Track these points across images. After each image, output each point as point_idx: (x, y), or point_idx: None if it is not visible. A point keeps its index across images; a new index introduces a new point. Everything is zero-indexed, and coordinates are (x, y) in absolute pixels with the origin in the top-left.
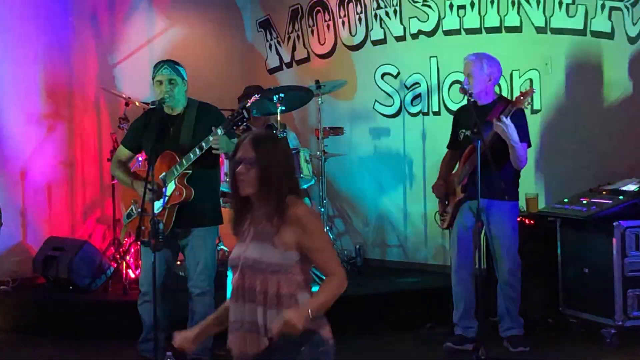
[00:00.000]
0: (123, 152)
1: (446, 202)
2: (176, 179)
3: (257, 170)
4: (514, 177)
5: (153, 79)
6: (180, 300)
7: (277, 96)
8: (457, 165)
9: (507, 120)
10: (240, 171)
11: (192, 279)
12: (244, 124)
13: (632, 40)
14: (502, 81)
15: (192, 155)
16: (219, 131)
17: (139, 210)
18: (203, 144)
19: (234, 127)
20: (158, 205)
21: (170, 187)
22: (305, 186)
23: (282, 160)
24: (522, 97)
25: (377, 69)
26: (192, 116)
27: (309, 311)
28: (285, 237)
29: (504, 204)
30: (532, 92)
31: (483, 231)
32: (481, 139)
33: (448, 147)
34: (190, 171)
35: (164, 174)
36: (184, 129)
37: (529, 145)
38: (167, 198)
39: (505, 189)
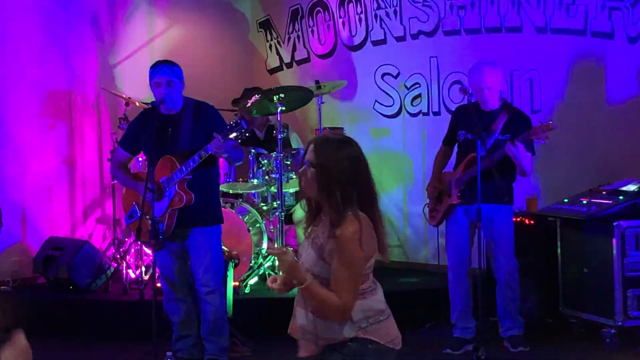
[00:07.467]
0: (121, 153)
1: (438, 201)
2: (176, 184)
3: (315, 172)
4: (512, 182)
5: (150, 80)
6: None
7: (277, 96)
8: (452, 164)
9: (521, 147)
10: (301, 172)
11: (199, 279)
12: (242, 134)
13: (632, 40)
14: None
15: (191, 163)
16: (219, 139)
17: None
18: (203, 153)
19: (234, 136)
20: (160, 208)
21: (171, 193)
22: None
23: (341, 164)
24: (540, 130)
25: (377, 69)
26: (189, 117)
27: (307, 282)
28: (329, 251)
29: (501, 207)
30: (553, 128)
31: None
32: (483, 143)
33: (444, 142)
34: (190, 176)
35: (164, 178)
36: (182, 130)
37: (533, 154)
38: (168, 203)
39: (505, 193)
